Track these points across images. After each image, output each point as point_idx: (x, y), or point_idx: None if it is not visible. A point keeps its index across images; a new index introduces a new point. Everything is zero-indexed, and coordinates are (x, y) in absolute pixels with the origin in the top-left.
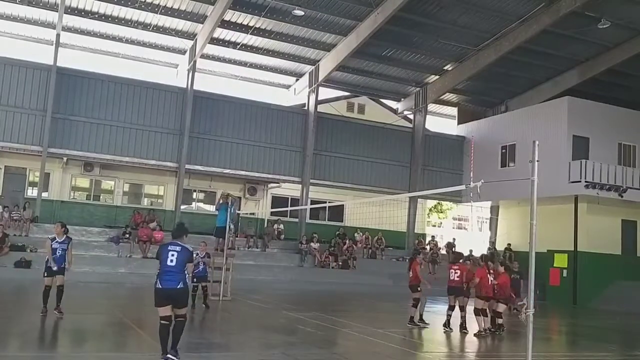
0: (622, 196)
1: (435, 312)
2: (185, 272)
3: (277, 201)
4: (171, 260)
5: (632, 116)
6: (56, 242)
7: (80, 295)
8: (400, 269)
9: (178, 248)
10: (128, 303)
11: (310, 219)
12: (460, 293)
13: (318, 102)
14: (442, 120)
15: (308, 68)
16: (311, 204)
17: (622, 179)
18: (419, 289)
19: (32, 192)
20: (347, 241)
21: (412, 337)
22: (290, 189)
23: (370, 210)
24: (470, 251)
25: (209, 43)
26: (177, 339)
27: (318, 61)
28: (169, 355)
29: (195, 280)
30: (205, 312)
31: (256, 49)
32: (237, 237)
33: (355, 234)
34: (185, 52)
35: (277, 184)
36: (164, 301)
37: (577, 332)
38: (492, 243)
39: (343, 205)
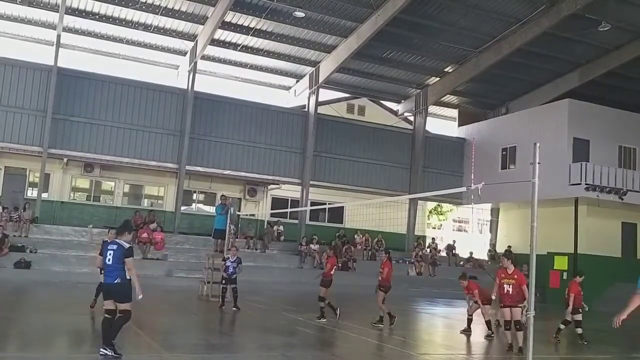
0: (622, 199)
1: (435, 314)
2: (125, 268)
3: (277, 202)
4: (109, 259)
5: (632, 118)
6: None
7: (80, 296)
8: (401, 270)
9: (114, 247)
10: None
11: (310, 220)
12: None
13: (318, 104)
14: (443, 122)
15: (308, 69)
16: (311, 205)
17: (623, 182)
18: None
19: (32, 193)
20: (346, 244)
21: (411, 339)
22: (290, 191)
23: (370, 212)
24: (471, 253)
25: (209, 44)
26: (114, 333)
27: (318, 63)
28: (101, 350)
29: (224, 282)
30: (236, 314)
31: (257, 50)
32: (237, 238)
33: (355, 236)
34: (185, 53)
35: (277, 186)
36: (106, 295)
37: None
38: (493, 245)
39: (343, 206)
